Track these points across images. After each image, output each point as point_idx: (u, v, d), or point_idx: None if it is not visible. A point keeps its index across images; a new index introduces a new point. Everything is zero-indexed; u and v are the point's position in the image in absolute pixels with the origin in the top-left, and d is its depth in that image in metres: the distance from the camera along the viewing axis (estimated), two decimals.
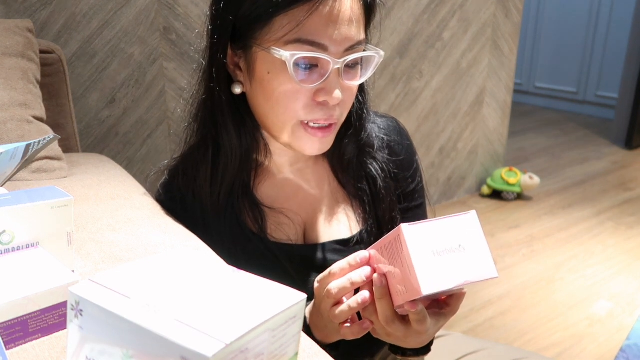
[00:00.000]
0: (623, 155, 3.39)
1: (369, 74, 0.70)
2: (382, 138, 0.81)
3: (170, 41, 1.59)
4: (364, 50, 0.68)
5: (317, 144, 0.69)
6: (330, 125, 0.69)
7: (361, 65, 0.70)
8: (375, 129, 0.81)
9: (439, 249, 0.53)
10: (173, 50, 1.60)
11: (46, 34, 1.39)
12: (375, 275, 0.58)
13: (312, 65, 0.65)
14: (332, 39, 0.63)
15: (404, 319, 0.60)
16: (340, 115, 0.69)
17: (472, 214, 0.56)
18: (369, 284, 0.59)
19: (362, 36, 0.67)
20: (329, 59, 0.64)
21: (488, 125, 2.66)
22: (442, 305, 0.61)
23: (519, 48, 3.21)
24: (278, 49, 0.63)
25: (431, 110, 2.41)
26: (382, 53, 0.69)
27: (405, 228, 0.53)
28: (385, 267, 0.58)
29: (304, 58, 0.63)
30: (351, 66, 0.68)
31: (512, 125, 3.12)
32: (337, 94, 0.65)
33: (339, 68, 0.65)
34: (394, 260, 0.55)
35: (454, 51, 2.36)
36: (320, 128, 0.68)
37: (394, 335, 0.60)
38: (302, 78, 0.65)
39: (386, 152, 0.81)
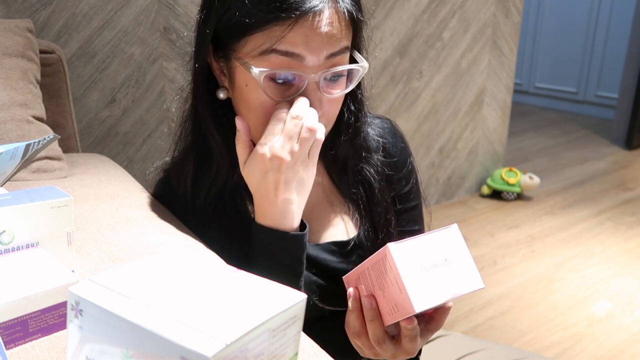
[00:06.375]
0: (623, 155, 3.39)
1: (352, 86, 0.68)
2: (378, 140, 0.80)
3: (170, 41, 1.59)
4: (351, 58, 0.67)
5: None
6: None
7: (347, 76, 0.68)
8: (371, 131, 0.80)
9: (425, 265, 0.54)
10: (173, 50, 1.60)
11: (46, 34, 1.39)
12: (364, 298, 0.59)
13: (288, 79, 0.64)
14: (309, 50, 0.61)
15: (393, 338, 0.61)
16: (323, 123, 0.68)
17: (454, 228, 0.57)
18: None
19: (344, 44, 0.65)
20: (303, 74, 0.63)
21: (488, 125, 2.66)
22: (428, 319, 0.62)
23: (519, 48, 3.21)
24: (251, 66, 0.62)
25: (431, 110, 2.41)
26: (366, 65, 0.68)
27: (392, 247, 0.54)
28: (371, 288, 0.59)
29: (277, 73, 0.63)
30: (332, 77, 0.66)
31: (512, 125, 3.12)
32: (316, 106, 0.65)
33: (316, 81, 0.64)
34: (382, 280, 0.56)
35: (454, 51, 2.36)
36: None
37: (382, 355, 0.61)
38: (277, 92, 0.64)
39: (381, 154, 0.80)
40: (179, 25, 1.58)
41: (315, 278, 0.74)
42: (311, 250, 0.75)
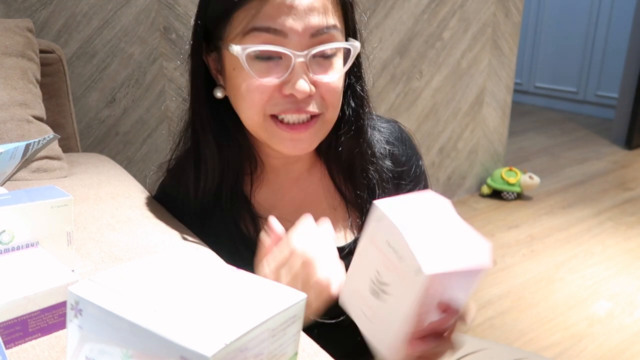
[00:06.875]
0: (623, 155, 3.39)
1: (345, 67, 0.67)
2: (386, 148, 0.78)
3: (170, 41, 1.59)
4: (344, 39, 0.66)
5: (290, 142, 0.67)
6: (304, 124, 0.66)
7: (343, 58, 0.67)
8: (377, 135, 0.78)
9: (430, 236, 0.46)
10: (173, 50, 1.60)
11: (46, 33, 1.39)
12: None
13: (273, 57, 0.63)
14: (290, 25, 0.61)
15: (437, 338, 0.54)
16: (320, 109, 0.66)
17: (433, 194, 0.50)
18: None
19: (330, 22, 0.63)
20: (287, 52, 0.61)
21: (488, 125, 2.66)
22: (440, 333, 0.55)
23: (519, 48, 3.21)
24: (231, 45, 0.62)
25: (431, 110, 2.41)
26: (357, 44, 0.66)
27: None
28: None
29: (259, 51, 0.62)
30: (325, 57, 0.64)
31: (512, 125, 3.12)
32: (303, 85, 0.62)
33: (304, 62, 0.62)
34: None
35: (454, 51, 2.36)
36: (292, 126, 0.66)
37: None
38: (262, 71, 0.63)
39: (388, 159, 0.78)
40: (179, 25, 1.58)
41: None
42: None
